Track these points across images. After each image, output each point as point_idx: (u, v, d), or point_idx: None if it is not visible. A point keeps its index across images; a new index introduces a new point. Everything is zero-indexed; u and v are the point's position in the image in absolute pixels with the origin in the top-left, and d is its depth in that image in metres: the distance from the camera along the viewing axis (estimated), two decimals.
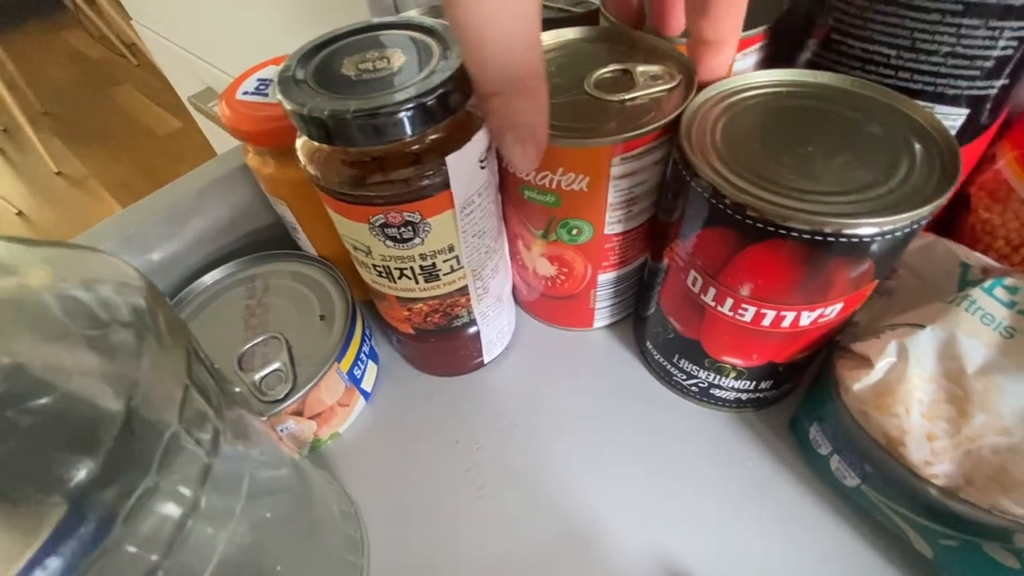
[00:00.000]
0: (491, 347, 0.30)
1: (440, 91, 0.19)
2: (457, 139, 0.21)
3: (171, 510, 0.12)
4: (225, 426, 0.14)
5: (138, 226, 0.29)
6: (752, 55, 0.27)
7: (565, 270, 0.27)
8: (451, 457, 0.28)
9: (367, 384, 0.30)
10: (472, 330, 0.28)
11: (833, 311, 0.21)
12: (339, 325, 0.28)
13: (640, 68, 0.25)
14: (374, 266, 0.24)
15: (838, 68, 0.24)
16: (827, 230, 0.17)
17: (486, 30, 0.16)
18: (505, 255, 0.28)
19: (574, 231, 0.25)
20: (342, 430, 0.30)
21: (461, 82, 0.19)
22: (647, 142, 0.22)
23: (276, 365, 0.27)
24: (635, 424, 0.28)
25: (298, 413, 0.26)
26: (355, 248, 0.24)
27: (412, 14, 0.24)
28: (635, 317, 0.32)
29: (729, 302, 0.22)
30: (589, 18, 0.32)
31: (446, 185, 0.21)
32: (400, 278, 0.24)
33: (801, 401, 0.27)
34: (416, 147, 0.20)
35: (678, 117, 0.22)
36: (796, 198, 0.18)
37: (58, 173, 1.68)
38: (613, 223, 0.25)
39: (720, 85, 0.23)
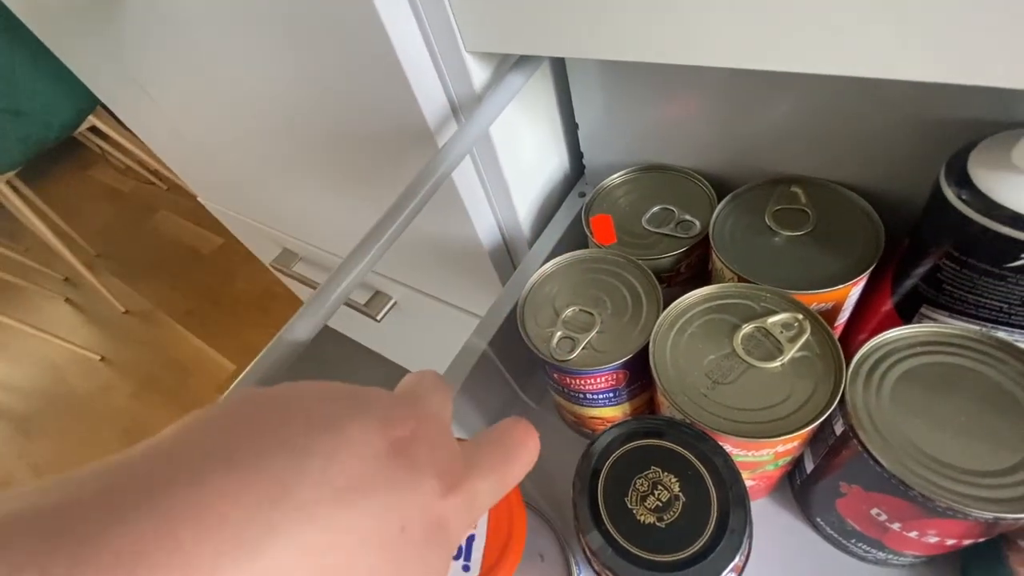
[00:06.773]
0: None
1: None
2: None
3: None
4: None
5: None
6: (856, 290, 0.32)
7: (764, 482, 0.33)
8: None
9: None
10: None
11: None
12: (560, 565, 0.34)
13: (771, 320, 0.30)
14: None
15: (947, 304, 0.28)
16: (1009, 518, 0.22)
17: None
18: None
19: (782, 463, 0.30)
20: None
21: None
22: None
23: None
24: None
25: None
26: None
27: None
28: (798, 487, 0.36)
29: (915, 533, 0.26)
30: (699, 244, 0.37)
31: None
32: None
33: (970, 556, 0.31)
34: None
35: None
36: (972, 483, 0.23)
37: (126, 312, 1.80)
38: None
39: (864, 350, 0.27)
